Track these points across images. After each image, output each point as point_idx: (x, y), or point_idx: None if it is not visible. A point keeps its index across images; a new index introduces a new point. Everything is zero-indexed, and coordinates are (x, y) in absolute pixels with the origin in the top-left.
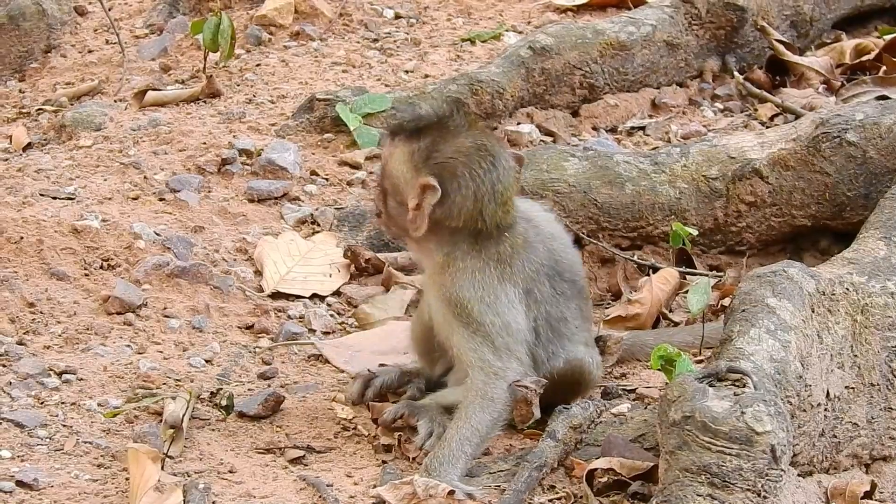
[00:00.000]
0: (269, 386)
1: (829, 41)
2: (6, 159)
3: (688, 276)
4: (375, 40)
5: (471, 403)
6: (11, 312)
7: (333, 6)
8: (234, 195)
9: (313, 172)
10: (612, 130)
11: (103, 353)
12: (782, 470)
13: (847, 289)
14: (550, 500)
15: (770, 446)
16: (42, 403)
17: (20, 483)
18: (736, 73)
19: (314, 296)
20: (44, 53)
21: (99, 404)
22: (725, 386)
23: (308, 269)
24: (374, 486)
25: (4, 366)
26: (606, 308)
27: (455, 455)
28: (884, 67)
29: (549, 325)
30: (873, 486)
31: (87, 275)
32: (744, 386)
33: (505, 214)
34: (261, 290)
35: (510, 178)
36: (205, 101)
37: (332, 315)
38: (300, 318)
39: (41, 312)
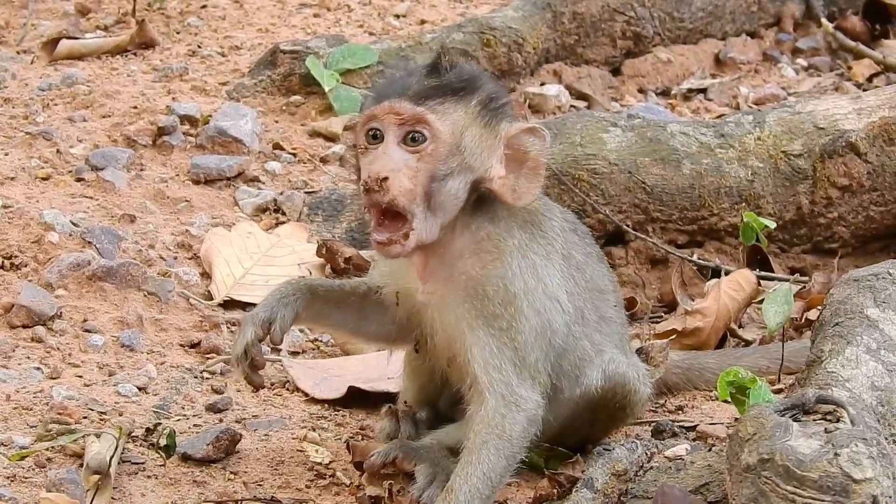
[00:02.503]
0: (220, 421)
1: None
2: None
3: (762, 282)
4: None
5: (484, 444)
6: None
7: None
8: (175, 174)
9: (277, 146)
10: (665, 93)
11: (5, 378)
12: None
13: None
14: None
15: (871, 497)
16: None
17: None
18: (824, 20)
19: None
20: None
21: (1, 443)
22: (814, 420)
23: (270, 271)
24: None
25: None
26: (657, 322)
27: None
28: None
29: (593, 301)
30: None
31: None
32: (837, 420)
33: None
34: (210, 297)
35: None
36: (135, 54)
37: (301, 330)
38: None
39: None
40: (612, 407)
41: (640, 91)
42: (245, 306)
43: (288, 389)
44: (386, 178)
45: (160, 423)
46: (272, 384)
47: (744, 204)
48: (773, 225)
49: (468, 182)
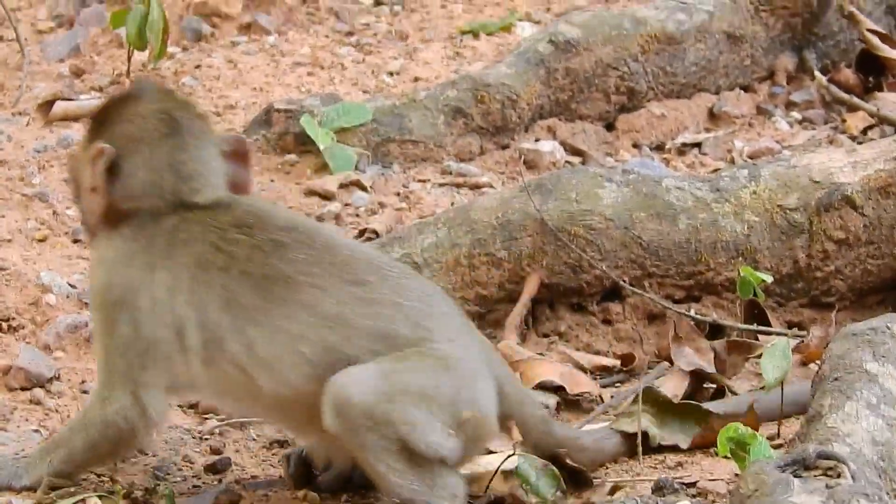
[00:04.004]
0: (219, 481)
1: None
2: None
3: (760, 336)
4: (350, 34)
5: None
6: None
7: None
8: None
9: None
10: (659, 148)
11: (4, 441)
12: None
13: None
14: None
15: None
16: None
17: None
18: (817, 73)
19: None
20: None
21: None
22: (815, 476)
23: None
24: None
25: None
26: (658, 378)
27: None
28: None
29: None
30: None
31: None
32: (838, 476)
33: (192, 192)
34: None
35: (199, 151)
36: None
37: None
38: None
39: None
40: None
41: (635, 146)
42: None
43: (286, 448)
44: None
45: (159, 484)
46: (270, 443)
47: (740, 258)
48: (770, 279)
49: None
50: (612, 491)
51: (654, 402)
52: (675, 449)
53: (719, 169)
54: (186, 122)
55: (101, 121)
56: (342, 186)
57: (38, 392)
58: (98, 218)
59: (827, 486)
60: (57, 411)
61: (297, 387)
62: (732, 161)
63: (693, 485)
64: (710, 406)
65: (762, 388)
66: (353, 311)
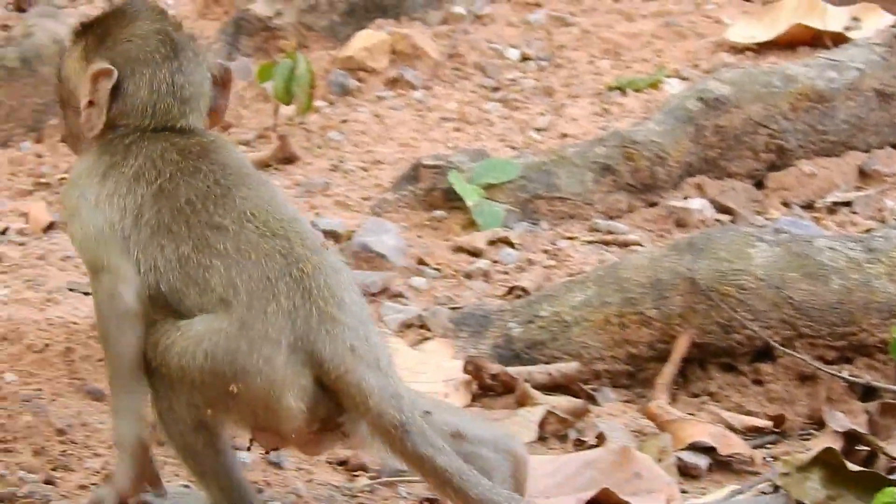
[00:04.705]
0: None
1: None
2: (23, 243)
3: None
4: (496, 89)
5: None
6: (36, 442)
7: (440, 45)
8: None
9: (421, 261)
10: (809, 206)
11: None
12: None
13: None
14: None
15: None
16: None
17: None
18: None
19: None
20: None
21: None
22: None
23: (417, 388)
24: None
25: None
26: (807, 440)
27: None
28: None
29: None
30: None
31: None
32: None
33: (182, 116)
34: None
35: (196, 75)
36: (277, 168)
37: None
38: None
39: (73, 442)
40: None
41: (785, 204)
42: None
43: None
44: None
45: None
46: (420, 501)
47: (894, 319)
48: None
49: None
50: None
51: (828, 465)
52: None
53: (871, 228)
54: (185, 44)
55: (98, 35)
56: (490, 243)
57: None
58: (90, 133)
59: None
60: None
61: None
62: (884, 220)
63: None
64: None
65: None
66: (197, 253)
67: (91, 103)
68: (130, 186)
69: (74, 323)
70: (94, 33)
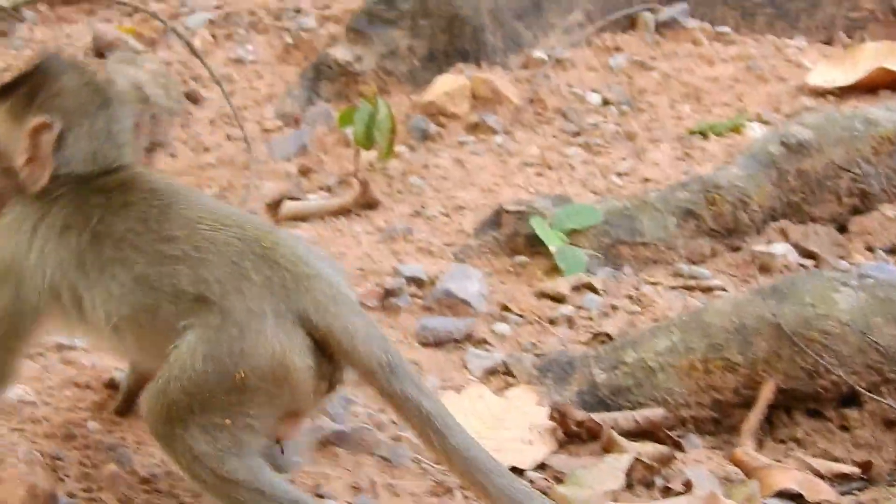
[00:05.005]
0: None
1: None
2: None
3: None
4: (577, 133)
5: None
6: (121, 492)
7: (521, 89)
8: (403, 336)
9: (504, 307)
10: (893, 251)
11: None
12: None
13: None
14: None
15: None
16: None
17: None
18: None
19: (512, 469)
20: (147, 152)
21: None
22: None
23: (502, 435)
24: None
25: None
26: (893, 486)
27: None
28: None
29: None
30: None
31: None
32: None
33: (119, 158)
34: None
35: (126, 120)
36: (358, 214)
37: None
38: None
39: (158, 491)
40: None
41: (868, 249)
42: None
43: None
44: None
45: None
46: None
47: None
48: None
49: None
50: None
51: None
52: None
53: None
54: (112, 92)
55: (26, 93)
56: (574, 289)
57: None
58: (34, 188)
59: None
60: None
61: (134, 345)
62: None
63: None
64: None
65: None
66: (155, 267)
67: (30, 159)
68: (63, 237)
69: None
70: (18, 92)
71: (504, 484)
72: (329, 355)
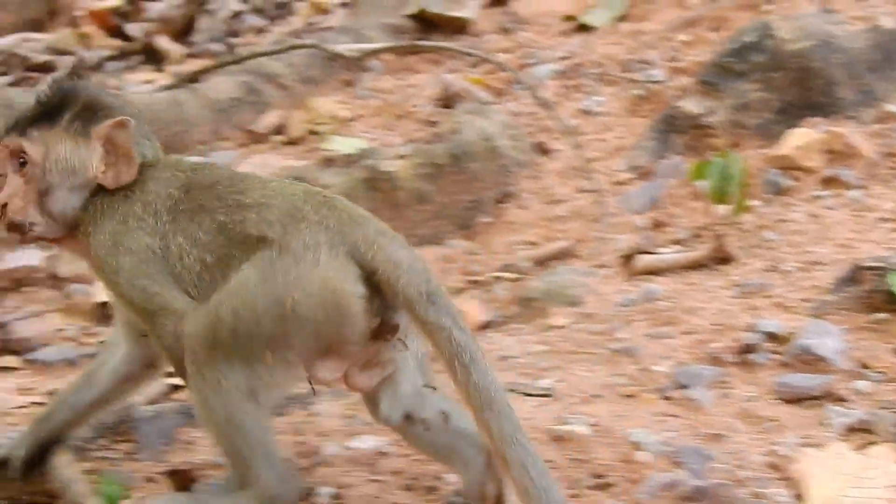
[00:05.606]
0: None
1: None
2: None
3: None
4: None
5: None
6: None
7: (875, 144)
8: (761, 393)
9: (864, 364)
10: None
11: None
12: None
13: None
14: None
15: None
16: None
17: None
18: None
19: None
20: (497, 203)
21: None
22: None
23: (863, 493)
24: None
25: None
26: None
27: None
28: None
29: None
30: None
31: (574, 496)
32: None
33: (159, 152)
34: None
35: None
36: (713, 268)
37: None
38: None
39: None
40: None
41: None
42: None
43: None
44: (5, 204)
45: None
46: None
47: None
48: None
49: (77, 185)
50: None
51: None
52: None
53: None
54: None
55: (77, 114)
56: None
57: None
58: (127, 179)
59: None
60: None
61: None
62: None
63: None
64: None
65: None
66: (231, 215)
67: (114, 160)
68: (172, 210)
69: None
70: (63, 115)
71: (508, 431)
72: (378, 290)
